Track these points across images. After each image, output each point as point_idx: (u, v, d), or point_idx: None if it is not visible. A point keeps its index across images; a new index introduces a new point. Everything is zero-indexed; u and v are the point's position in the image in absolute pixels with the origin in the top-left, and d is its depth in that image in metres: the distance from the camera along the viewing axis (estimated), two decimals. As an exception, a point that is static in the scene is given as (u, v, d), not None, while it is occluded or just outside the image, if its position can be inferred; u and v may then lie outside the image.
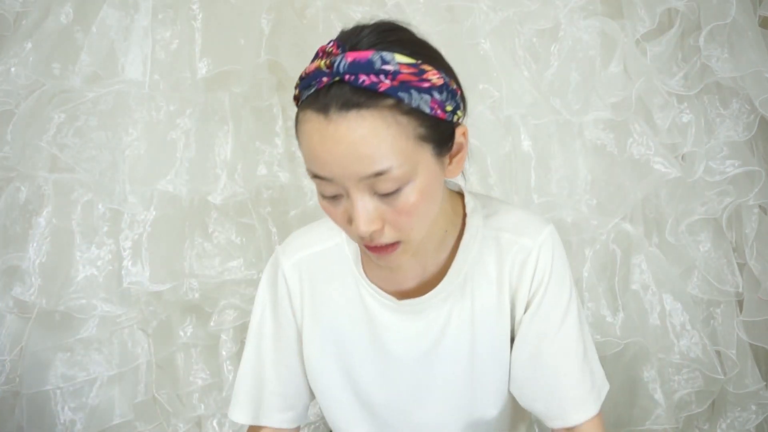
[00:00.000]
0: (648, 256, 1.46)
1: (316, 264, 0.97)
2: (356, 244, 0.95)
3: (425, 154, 0.75)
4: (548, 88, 1.41)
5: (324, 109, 0.72)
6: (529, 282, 0.91)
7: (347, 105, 0.71)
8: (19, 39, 1.34)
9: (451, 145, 0.80)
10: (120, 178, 1.38)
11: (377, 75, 0.71)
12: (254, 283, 1.46)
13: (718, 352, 1.47)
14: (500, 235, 0.92)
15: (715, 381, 1.45)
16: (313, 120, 0.73)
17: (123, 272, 1.39)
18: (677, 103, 1.44)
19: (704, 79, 1.42)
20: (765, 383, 1.47)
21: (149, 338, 1.45)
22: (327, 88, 0.72)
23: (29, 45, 1.33)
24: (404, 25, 0.80)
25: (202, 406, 1.47)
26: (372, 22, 0.80)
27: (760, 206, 1.46)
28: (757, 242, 1.44)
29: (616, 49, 1.41)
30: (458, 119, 0.80)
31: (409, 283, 0.94)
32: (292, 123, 1.50)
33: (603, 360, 1.45)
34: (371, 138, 0.71)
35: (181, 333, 1.46)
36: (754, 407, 1.48)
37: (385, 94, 0.72)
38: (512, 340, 0.95)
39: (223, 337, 1.47)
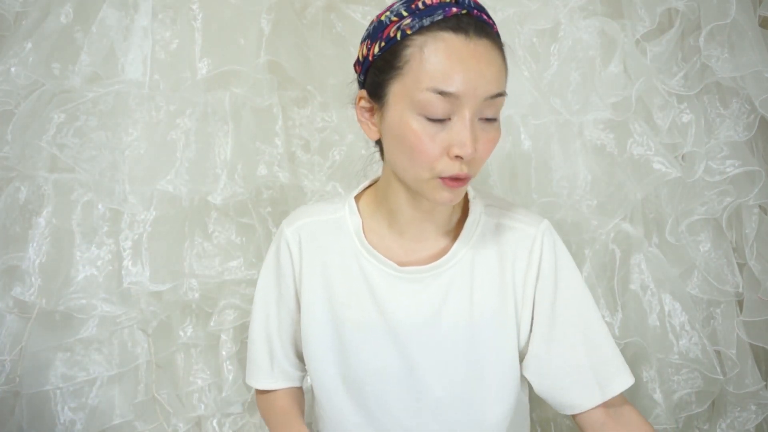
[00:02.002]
0: (647, 256, 1.46)
1: (316, 232, 1.02)
2: (359, 218, 1.00)
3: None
4: (548, 88, 1.41)
5: (464, 30, 0.82)
6: (536, 268, 0.95)
7: (483, 32, 0.83)
8: (19, 39, 1.34)
9: None
10: (120, 178, 1.38)
11: (490, 19, 0.87)
12: (254, 283, 1.44)
13: (717, 352, 1.47)
14: (502, 222, 0.98)
15: (714, 381, 1.45)
16: (453, 39, 0.82)
17: (123, 272, 1.39)
18: (677, 103, 1.44)
19: (704, 79, 1.41)
20: (765, 383, 1.47)
21: (149, 338, 1.45)
22: (459, 16, 0.83)
23: (29, 45, 1.33)
24: None
25: (202, 406, 1.47)
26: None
27: (760, 206, 1.46)
28: (757, 242, 1.44)
29: (616, 49, 1.41)
30: None
31: (411, 255, 0.97)
32: (292, 123, 1.52)
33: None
34: (499, 63, 0.84)
35: (181, 333, 1.46)
36: (753, 407, 1.48)
37: (497, 35, 0.87)
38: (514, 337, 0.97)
39: (223, 337, 1.47)
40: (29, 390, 1.38)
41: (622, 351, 1.45)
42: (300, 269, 1.02)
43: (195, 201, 1.43)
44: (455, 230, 0.99)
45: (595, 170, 1.45)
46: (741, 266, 1.47)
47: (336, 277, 0.99)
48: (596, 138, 1.45)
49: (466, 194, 1.00)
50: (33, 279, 1.35)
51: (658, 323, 1.45)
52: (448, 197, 0.88)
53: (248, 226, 1.47)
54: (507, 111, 1.40)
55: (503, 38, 0.88)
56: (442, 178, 0.85)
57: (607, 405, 0.97)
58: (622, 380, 0.97)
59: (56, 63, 1.35)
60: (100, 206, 1.41)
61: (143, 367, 1.46)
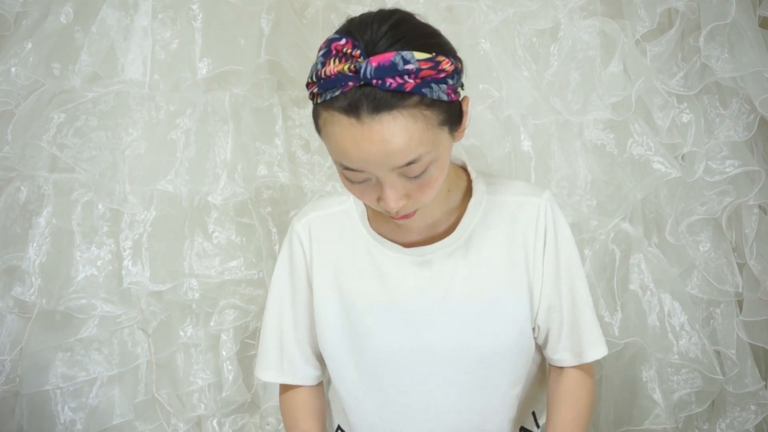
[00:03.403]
0: (647, 256, 1.46)
1: (325, 224, 1.05)
2: (363, 206, 1.02)
3: (444, 135, 0.84)
4: (548, 88, 1.41)
5: (354, 111, 0.77)
6: (543, 234, 0.99)
7: (378, 108, 0.76)
8: (19, 39, 1.34)
9: (461, 118, 0.87)
10: (120, 178, 1.38)
11: (401, 76, 0.76)
12: (254, 283, 1.46)
13: (717, 352, 1.47)
14: (505, 199, 1.00)
15: (714, 381, 1.45)
16: (344, 122, 0.78)
17: (123, 272, 1.39)
18: (677, 103, 1.44)
19: (704, 79, 1.41)
20: (764, 383, 1.47)
21: (149, 338, 1.45)
22: (354, 91, 0.76)
23: (29, 45, 1.33)
24: (405, 12, 0.85)
25: (202, 406, 1.47)
26: (371, 10, 0.86)
27: (760, 206, 1.46)
28: (757, 242, 1.44)
29: (616, 49, 1.41)
30: (462, 92, 0.87)
31: (415, 237, 0.99)
32: (292, 123, 1.52)
33: (602, 360, 1.47)
34: (402, 135, 0.78)
35: (181, 333, 1.46)
36: (753, 407, 1.48)
37: (411, 93, 0.77)
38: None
39: (223, 337, 1.47)
40: (29, 390, 1.38)
41: (622, 351, 1.46)
42: (311, 260, 1.04)
43: (195, 201, 1.43)
44: (459, 209, 1.00)
45: (595, 170, 1.45)
46: (741, 266, 1.47)
47: (345, 265, 1.01)
48: (596, 138, 1.46)
49: (468, 175, 1.03)
50: (33, 279, 1.35)
51: (657, 323, 1.45)
52: (403, 223, 0.93)
53: (248, 226, 1.47)
54: (507, 111, 1.40)
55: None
56: (389, 216, 0.89)
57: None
58: (597, 350, 1.03)
59: (56, 63, 1.35)
60: (100, 206, 1.41)
61: (143, 367, 1.46)
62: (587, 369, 1.05)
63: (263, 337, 1.09)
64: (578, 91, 1.41)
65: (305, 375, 1.08)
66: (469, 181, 1.02)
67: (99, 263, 1.41)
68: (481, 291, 0.97)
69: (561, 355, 1.03)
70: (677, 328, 1.45)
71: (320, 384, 1.12)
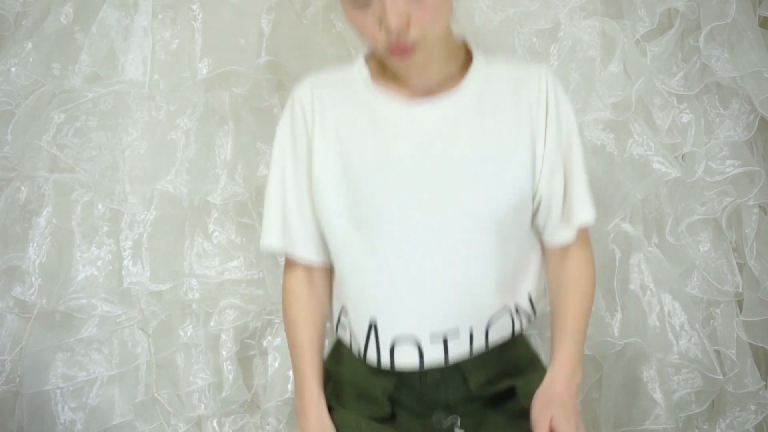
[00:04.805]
0: (647, 256, 1.46)
1: (327, 86, 1.06)
2: (366, 69, 1.04)
3: None
4: (548, 88, 1.41)
5: None
6: (545, 100, 1.00)
7: None
8: (19, 39, 1.34)
9: None
10: (120, 178, 1.38)
11: None
12: (254, 283, 1.46)
13: (717, 352, 1.47)
14: (506, 68, 1.05)
15: (714, 381, 1.45)
16: None
17: (123, 272, 1.39)
18: (677, 103, 1.44)
19: (704, 79, 1.41)
20: (764, 383, 1.47)
21: (149, 338, 1.45)
22: None
23: (29, 45, 1.33)
24: None
25: (202, 406, 1.47)
26: None
27: (760, 206, 1.46)
28: (757, 242, 1.44)
29: (616, 49, 1.41)
30: None
31: (419, 94, 1.00)
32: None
33: (602, 360, 1.47)
34: None
35: (181, 333, 1.46)
36: (753, 407, 1.48)
37: None
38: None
39: (223, 337, 1.47)
40: (29, 390, 1.38)
41: (622, 351, 1.45)
42: (312, 121, 1.03)
43: (195, 201, 1.43)
44: (459, 77, 1.02)
45: (595, 170, 1.45)
46: (741, 266, 1.47)
47: (346, 122, 1.02)
48: (596, 138, 1.45)
49: (467, 46, 1.05)
50: (33, 279, 1.36)
51: (657, 323, 1.45)
52: (406, 64, 0.95)
53: (248, 226, 1.47)
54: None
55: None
56: (389, 49, 0.91)
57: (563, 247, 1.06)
58: (586, 214, 1.05)
59: (56, 63, 1.35)
60: (100, 206, 1.41)
61: (143, 367, 1.46)
62: (587, 257, 1.09)
63: (266, 208, 1.08)
64: (578, 91, 1.41)
65: (305, 249, 1.06)
66: (469, 54, 1.04)
67: (99, 263, 1.41)
68: (484, 147, 0.98)
69: (559, 230, 1.05)
70: (677, 328, 1.45)
71: (322, 273, 1.10)
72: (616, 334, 1.44)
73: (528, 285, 1.08)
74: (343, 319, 1.09)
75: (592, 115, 1.42)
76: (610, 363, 1.47)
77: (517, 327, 1.06)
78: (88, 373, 1.41)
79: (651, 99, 1.42)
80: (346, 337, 1.09)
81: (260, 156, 1.45)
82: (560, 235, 1.06)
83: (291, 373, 1.47)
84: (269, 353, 1.49)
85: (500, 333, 1.04)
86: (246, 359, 1.51)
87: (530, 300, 1.09)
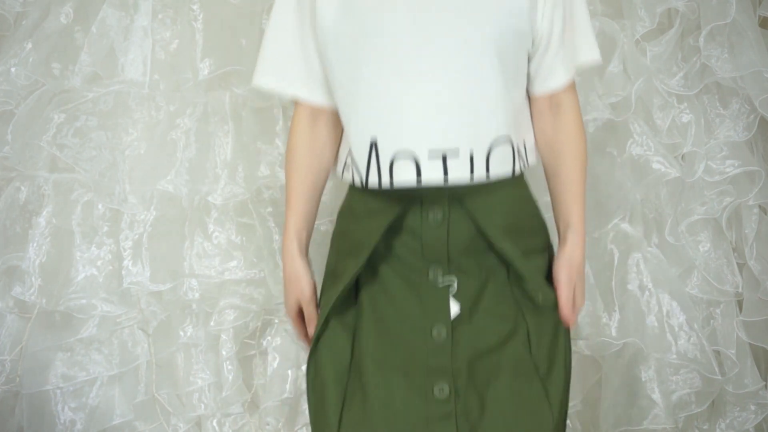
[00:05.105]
0: (646, 256, 1.46)
1: None
2: None
3: None
4: (548, 88, 1.41)
5: None
6: None
7: None
8: (19, 39, 1.35)
9: None
10: (120, 178, 1.38)
11: None
12: (254, 283, 1.46)
13: (717, 352, 1.47)
14: None
15: (713, 381, 1.45)
16: None
17: (123, 272, 1.39)
18: (677, 103, 1.44)
19: (704, 79, 1.42)
20: (764, 383, 1.47)
21: (149, 338, 1.45)
22: None
23: (29, 45, 1.34)
24: None
25: (202, 406, 1.47)
26: None
27: (760, 206, 1.46)
28: (756, 242, 1.44)
29: (616, 49, 1.41)
30: None
31: None
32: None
33: (601, 360, 1.47)
34: None
35: (181, 333, 1.46)
36: (753, 407, 1.48)
37: None
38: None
39: (223, 337, 1.47)
40: (29, 390, 1.38)
41: (621, 351, 1.46)
42: None
43: (195, 201, 1.43)
44: None
45: (595, 170, 1.45)
46: (741, 266, 1.47)
47: None
48: (596, 138, 1.45)
49: None
50: (33, 279, 1.36)
51: (656, 323, 1.45)
52: None
53: (248, 226, 1.47)
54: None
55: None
56: None
57: (553, 98, 1.07)
58: (593, 53, 1.07)
59: (56, 63, 1.35)
60: (100, 206, 1.41)
61: (143, 367, 1.46)
62: (578, 116, 1.09)
63: (263, 48, 1.07)
64: (578, 91, 1.40)
65: (307, 88, 1.06)
66: None
67: (99, 263, 1.41)
68: None
69: (554, 72, 1.04)
70: (676, 329, 1.45)
71: (327, 116, 1.10)
72: (614, 334, 1.44)
73: (524, 129, 1.08)
74: (348, 160, 1.07)
75: (592, 115, 1.42)
76: (609, 363, 1.47)
77: (518, 167, 1.04)
78: (88, 373, 1.42)
79: (651, 99, 1.42)
80: (349, 176, 1.07)
81: (260, 156, 1.45)
82: (555, 78, 1.05)
83: (290, 372, 1.47)
84: (269, 353, 1.49)
85: (501, 165, 1.02)
86: (246, 359, 1.51)
87: (525, 147, 1.07)
